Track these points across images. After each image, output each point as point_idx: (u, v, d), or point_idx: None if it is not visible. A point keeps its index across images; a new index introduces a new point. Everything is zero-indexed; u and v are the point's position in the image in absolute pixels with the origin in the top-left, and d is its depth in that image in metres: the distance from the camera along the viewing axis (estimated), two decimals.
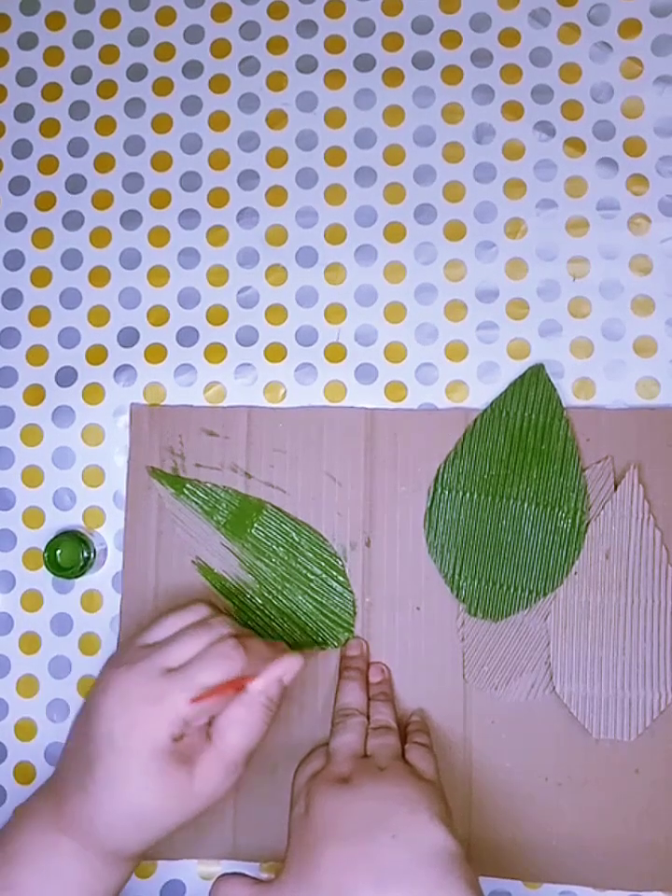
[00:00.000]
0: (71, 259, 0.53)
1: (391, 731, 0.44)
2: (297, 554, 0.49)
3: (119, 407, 0.52)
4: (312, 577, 0.49)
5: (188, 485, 0.50)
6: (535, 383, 0.49)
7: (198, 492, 0.50)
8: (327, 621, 0.49)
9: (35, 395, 0.52)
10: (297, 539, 0.49)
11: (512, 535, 0.48)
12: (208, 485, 0.50)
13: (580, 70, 0.52)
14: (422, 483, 0.49)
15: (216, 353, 0.52)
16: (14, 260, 0.53)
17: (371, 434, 0.50)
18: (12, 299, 0.53)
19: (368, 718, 0.45)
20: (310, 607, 0.49)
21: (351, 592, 0.49)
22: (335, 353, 0.51)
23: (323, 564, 0.49)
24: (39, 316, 0.53)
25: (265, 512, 0.50)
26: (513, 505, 0.48)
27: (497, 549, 0.48)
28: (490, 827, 0.47)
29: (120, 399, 0.52)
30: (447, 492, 0.49)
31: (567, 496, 0.48)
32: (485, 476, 0.49)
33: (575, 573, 0.48)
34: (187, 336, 0.52)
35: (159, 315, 0.52)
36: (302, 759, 0.44)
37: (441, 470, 0.49)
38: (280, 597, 0.49)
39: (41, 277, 0.53)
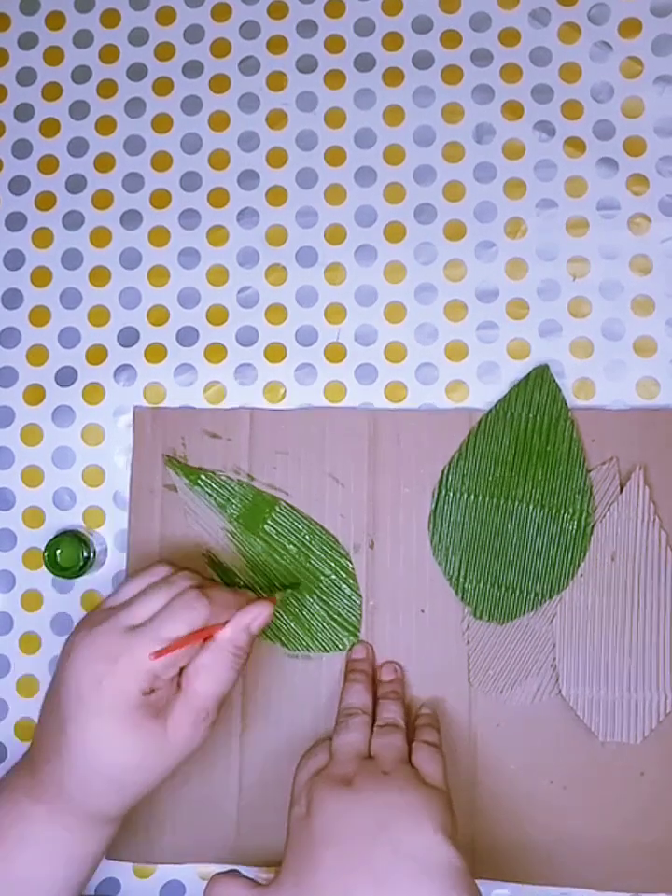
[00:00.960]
0: (71, 259, 0.53)
1: (398, 730, 0.44)
2: (308, 554, 0.49)
3: (119, 407, 0.51)
4: (322, 577, 0.49)
5: (203, 476, 0.50)
6: (539, 383, 0.49)
7: (212, 483, 0.50)
8: (333, 623, 0.48)
9: (34, 395, 0.52)
10: (309, 539, 0.49)
11: (517, 537, 0.48)
12: (223, 477, 0.50)
13: (580, 70, 0.52)
14: (426, 484, 0.49)
15: (216, 353, 0.52)
16: (14, 260, 0.53)
17: (374, 435, 0.50)
18: (12, 299, 0.53)
19: (373, 718, 0.45)
20: (317, 607, 0.49)
21: (359, 595, 0.49)
22: (335, 353, 0.51)
23: (333, 565, 0.49)
24: (39, 316, 0.52)
25: (279, 509, 0.50)
26: (518, 507, 0.48)
27: (502, 551, 0.48)
28: (495, 829, 0.46)
29: (120, 399, 0.51)
30: (451, 494, 0.49)
31: (573, 497, 0.48)
32: (490, 478, 0.49)
33: (581, 575, 0.48)
34: (187, 336, 0.52)
35: (159, 315, 0.52)
36: (304, 754, 0.44)
37: (446, 472, 0.49)
38: (289, 597, 0.49)
39: (41, 277, 0.53)
